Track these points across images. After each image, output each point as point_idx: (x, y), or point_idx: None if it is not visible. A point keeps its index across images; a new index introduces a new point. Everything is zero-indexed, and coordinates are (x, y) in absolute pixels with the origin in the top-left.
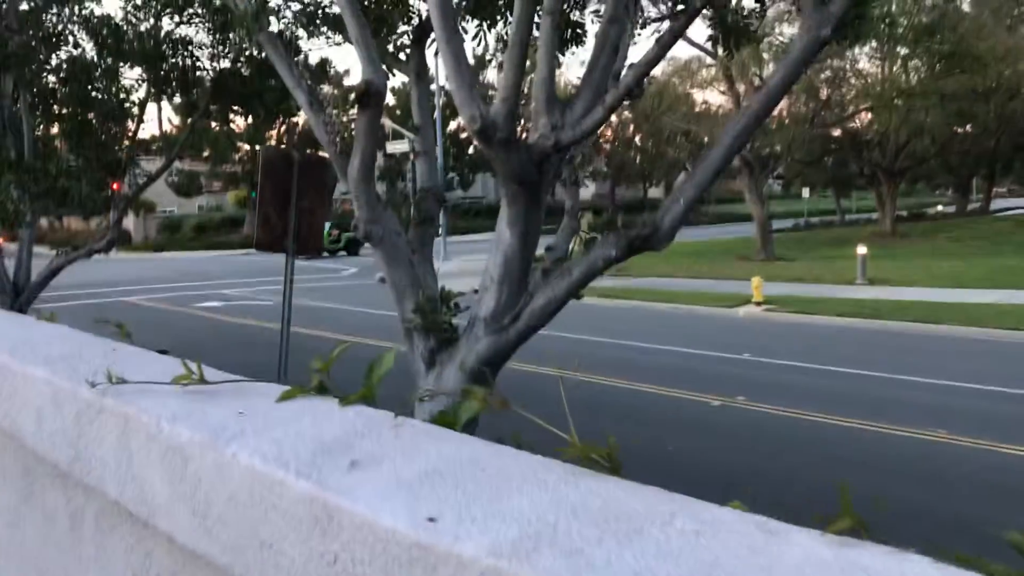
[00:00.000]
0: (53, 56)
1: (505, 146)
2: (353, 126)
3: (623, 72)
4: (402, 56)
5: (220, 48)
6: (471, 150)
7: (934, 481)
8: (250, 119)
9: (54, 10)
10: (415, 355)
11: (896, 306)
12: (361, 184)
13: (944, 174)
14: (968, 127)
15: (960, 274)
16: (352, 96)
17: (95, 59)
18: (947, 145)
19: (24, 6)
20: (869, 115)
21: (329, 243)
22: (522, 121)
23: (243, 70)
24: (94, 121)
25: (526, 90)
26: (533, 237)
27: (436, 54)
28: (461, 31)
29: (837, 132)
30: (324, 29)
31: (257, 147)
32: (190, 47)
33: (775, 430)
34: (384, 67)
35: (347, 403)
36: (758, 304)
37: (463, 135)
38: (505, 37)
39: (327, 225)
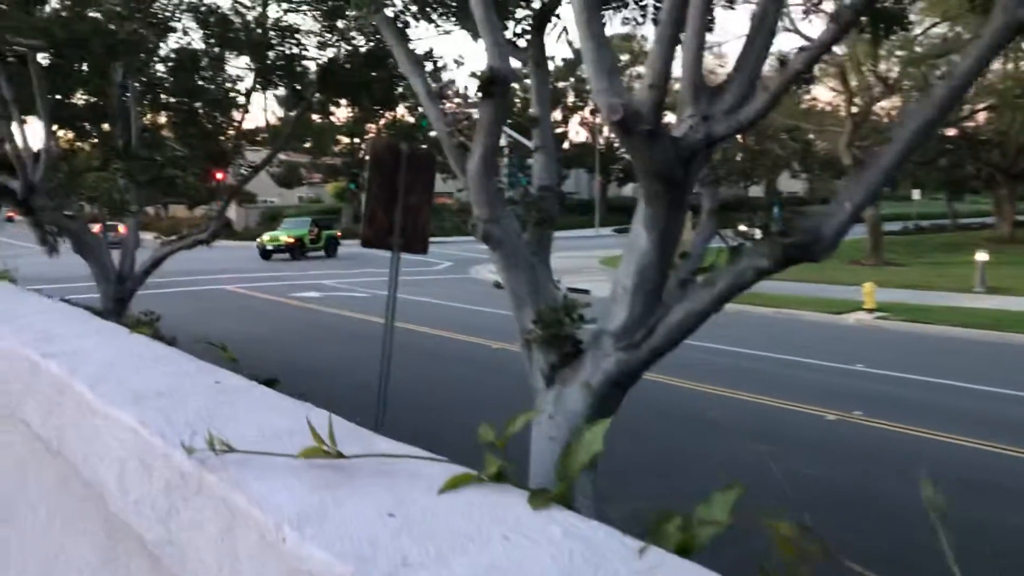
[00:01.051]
0: (162, 45)
1: (649, 139)
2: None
3: (792, 55)
4: (521, 43)
5: (328, 36)
6: (565, 145)
7: None
8: (351, 111)
9: None
10: (533, 369)
11: (1018, 318)
12: (482, 180)
13: None
14: None
15: None
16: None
17: (202, 48)
18: None
19: None
20: (988, 114)
21: (308, 242)
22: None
23: (350, 61)
24: (200, 111)
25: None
26: (672, 243)
27: (557, 40)
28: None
29: (952, 132)
30: (434, 16)
31: (355, 139)
32: (297, 35)
33: (899, 449)
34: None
35: (540, 504)
36: (870, 311)
37: (558, 130)
38: (635, 21)
39: (307, 222)
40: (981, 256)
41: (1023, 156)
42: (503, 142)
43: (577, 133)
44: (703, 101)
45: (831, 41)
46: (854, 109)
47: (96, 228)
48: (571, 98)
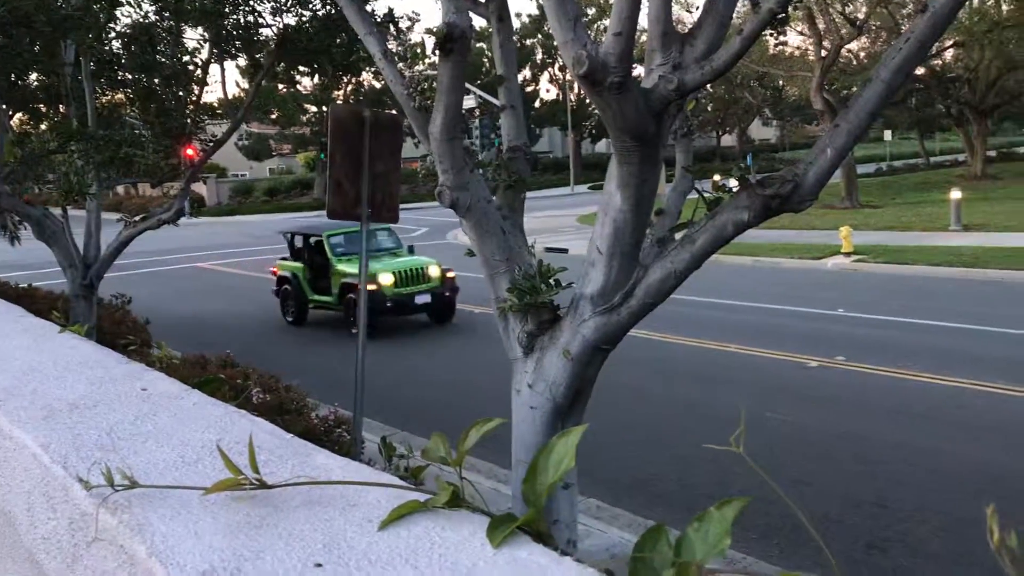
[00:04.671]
0: (113, 19)
1: (618, 92)
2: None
3: None
4: None
5: (283, 2)
6: (536, 103)
7: None
8: (317, 79)
9: None
10: (510, 339)
11: (996, 253)
12: (445, 144)
13: None
14: None
15: None
16: (426, 46)
17: (155, 21)
18: None
19: None
20: (956, 51)
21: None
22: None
23: (308, 26)
24: (158, 86)
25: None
26: (648, 202)
27: None
28: None
29: (921, 70)
30: None
31: (324, 108)
32: (251, 2)
33: (881, 392)
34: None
35: (502, 537)
36: (848, 255)
37: (528, 88)
38: None
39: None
40: (955, 194)
41: (992, 92)
42: (473, 103)
43: (548, 91)
44: (673, 49)
45: None
46: (823, 52)
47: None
48: (539, 55)
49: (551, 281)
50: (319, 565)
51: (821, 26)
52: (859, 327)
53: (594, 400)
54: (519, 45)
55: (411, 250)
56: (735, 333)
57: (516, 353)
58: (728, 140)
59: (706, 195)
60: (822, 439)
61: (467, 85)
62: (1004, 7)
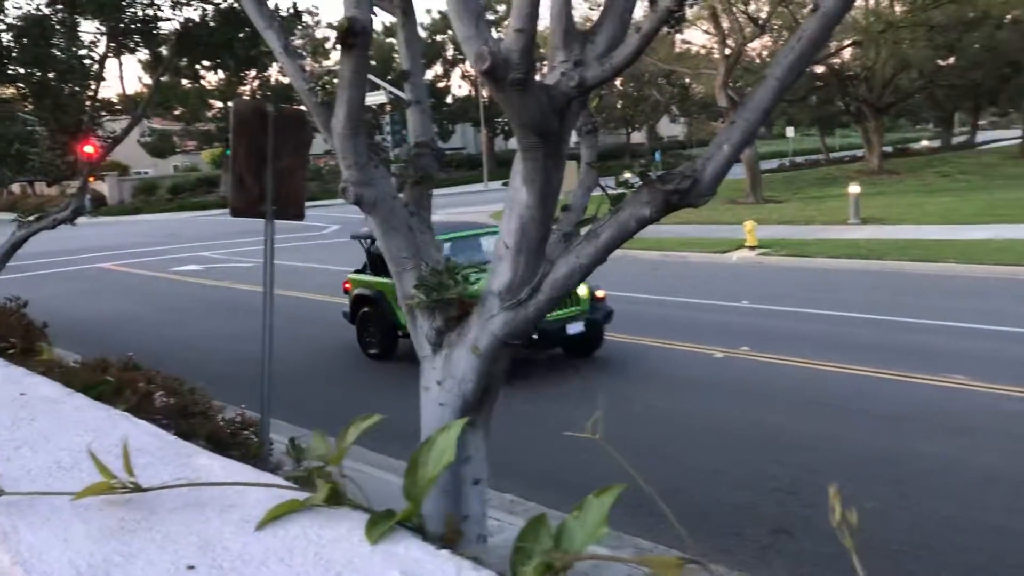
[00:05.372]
0: (1, 9)
1: (520, 88)
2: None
3: None
4: None
5: None
6: (449, 100)
7: (962, 432)
8: (221, 73)
9: None
10: (419, 336)
11: (892, 245)
12: (348, 140)
13: (929, 108)
14: (953, 59)
15: (953, 210)
16: (329, 42)
17: (48, 12)
18: (933, 78)
19: None
20: (854, 50)
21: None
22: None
23: (209, 19)
24: (52, 81)
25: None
26: (553, 197)
27: None
28: None
29: (821, 69)
30: None
31: (230, 103)
32: None
33: (785, 381)
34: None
35: (380, 533)
36: (752, 248)
37: (440, 84)
38: None
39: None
40: (854, 189)
41: (888, 90)
42: (384, 99)
43: (460, 87)
44: (575, 46)
45: None
46: (727, 51)
47: None
48: (450, 51)
49: (459, 277)
50: (192, 567)
51: (725, 25)
52: (763, 318)
53: (505, 396)
54: (430, 41)
55: None
56: (644, 326)
57: (425, 351)
58: (637, 137)
59: (609, 191)
60: (730, 428)
61: (377, 80)
62: (898, 8)
